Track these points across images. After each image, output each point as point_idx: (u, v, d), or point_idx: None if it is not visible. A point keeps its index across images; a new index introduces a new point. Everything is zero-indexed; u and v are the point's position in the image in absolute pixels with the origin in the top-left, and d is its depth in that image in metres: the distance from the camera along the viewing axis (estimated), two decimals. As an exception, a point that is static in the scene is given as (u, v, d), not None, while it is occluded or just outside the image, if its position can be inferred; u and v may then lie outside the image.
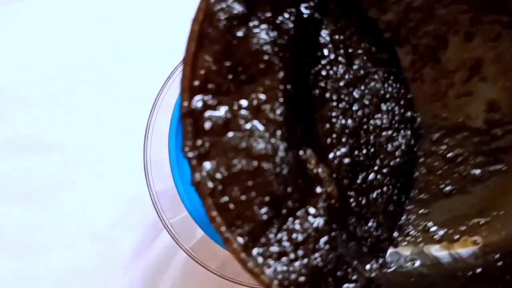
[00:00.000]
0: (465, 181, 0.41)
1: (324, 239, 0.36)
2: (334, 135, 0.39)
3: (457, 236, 0.41)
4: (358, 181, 0.40)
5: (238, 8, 0.33)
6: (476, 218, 0.41)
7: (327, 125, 0.39)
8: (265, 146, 0.34)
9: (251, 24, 0.34)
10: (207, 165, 0.33)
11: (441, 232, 0.42)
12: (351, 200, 0.39)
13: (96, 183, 0.57)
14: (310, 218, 0.35)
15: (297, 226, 0.35)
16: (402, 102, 0.42)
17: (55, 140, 0.57)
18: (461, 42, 0.41)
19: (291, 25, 0.35)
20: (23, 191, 0.55)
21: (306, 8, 0.37)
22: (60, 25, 0.62)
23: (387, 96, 0.42)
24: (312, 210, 0.36)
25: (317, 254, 0.35)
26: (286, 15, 0.35)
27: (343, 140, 0.39)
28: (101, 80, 0.60)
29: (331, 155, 0.39)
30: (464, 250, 0.41)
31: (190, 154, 0.30)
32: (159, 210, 0.52)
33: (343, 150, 0.39)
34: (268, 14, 0.35)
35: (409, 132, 0.42)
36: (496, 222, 0.40)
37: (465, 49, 0.41)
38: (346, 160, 0.39)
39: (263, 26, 0.34)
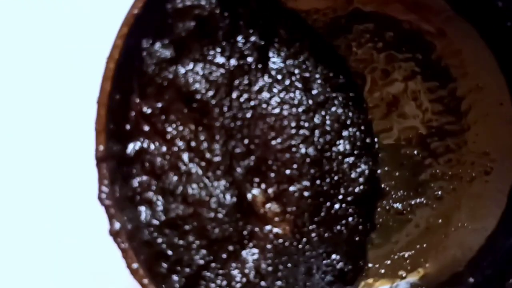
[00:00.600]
0: (388, 215, 0.42)
1: (268, 282, 0.35)
2: (294, 166, 0.38)
3: (383, 271, 0.42)
4: (322, 213, 0.39)
5: (166, 53, 0.33)
6: (401, 252, 0.41)
7: (287, 155, 0.38)
8: (199, 192, 0.34)
9: (180, 65, 0.34)
10: (142, 211, 0.32)
11: (368, 267, 0.43)
12: (313, 234, 0.38)
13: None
14: (252, 262, 0.35)
15: (236, 271, 0.34)
16: (362, 127, 0.42)
17: (57, 138, 0.54)
18: (379, 79, 0.44)
19: (223, 60, 0.35)
20: (23, 189, 0.53)
21: (243, 38, 0.37)
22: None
23: (348, 121, 0.41)
24: (255, 251, 0.35)
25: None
26: (218, 49, 0.35)
27: (304, 170, 0.38)
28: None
29: (291, 188, 0.38)
30: (392, 283, 0.41)
31: (107, 202, 0.29)
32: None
33: (305, 182, 0.38)
34: (197, 55, 0.35)
35: (370, 158, 0.42)
36: (420, 255, 0.41)
37: (383, 86, 0.44)
38: (307, 193, 0.38)
39: (193, 65, 0.34)
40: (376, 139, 0.42)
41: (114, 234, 0.28)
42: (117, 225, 0.28)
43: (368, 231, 0.41)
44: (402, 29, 0.42)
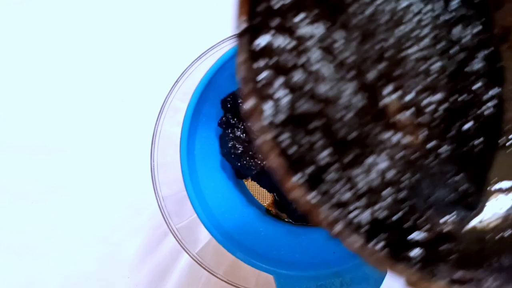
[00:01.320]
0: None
1: (390, 191, 0.33)
2: (431, 77, 0.35)
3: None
4: (454, 130, 0.36)
5: None
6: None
7: (424, 66, 0.35)
8: (327, 91, 0.31)
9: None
10: (267, 106, 0.29)
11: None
12: (442, 150, 0.36)
13: (102, 187, 0.57)
14: (376, 170, 0.32)
15: (359, 178, 0.31)
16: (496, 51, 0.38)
17: (62, 143, 0.56)
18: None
19: None
20: (28, 194, 0.55)
21: None
22: (65, 25, 0.61)
23: (486, 42, 0.37)
24: (380, 159, 0.33)
25: (377, 206, 0.32)
26: None
27: (441, 84, 0.35)
28: (108, 82, 0.59)
29: (426, 100, 0.35)
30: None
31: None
32: (165, 215, 0.50)
33: (440, 96, 0.35)
34: None
35: (499, 83, 0.37)
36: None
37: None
38: (442, 107, 0.35)
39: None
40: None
41: (250, 111, 0.27)
42: (251, 103, 0.27)
43: (492, 157, 0.38)
44: None
